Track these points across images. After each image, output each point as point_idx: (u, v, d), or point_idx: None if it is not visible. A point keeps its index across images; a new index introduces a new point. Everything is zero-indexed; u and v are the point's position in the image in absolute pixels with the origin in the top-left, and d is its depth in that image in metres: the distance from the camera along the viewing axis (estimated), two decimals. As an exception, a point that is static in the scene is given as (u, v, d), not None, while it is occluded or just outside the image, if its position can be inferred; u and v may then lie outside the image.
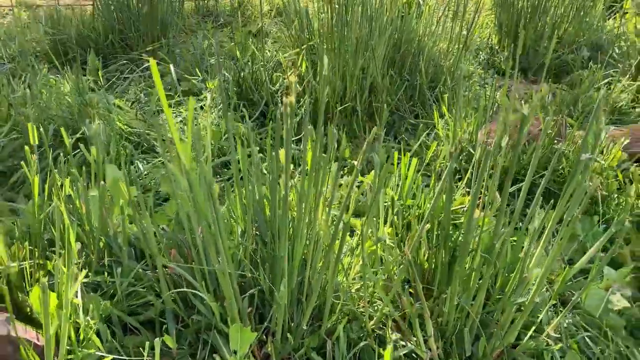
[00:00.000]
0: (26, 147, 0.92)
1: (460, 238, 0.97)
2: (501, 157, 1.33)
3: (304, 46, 1.84)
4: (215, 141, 1.59)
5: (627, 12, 2.89)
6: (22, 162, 0.99)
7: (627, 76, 1.93)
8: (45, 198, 1.00)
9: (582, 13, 2.37)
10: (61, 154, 1.23)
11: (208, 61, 2.15)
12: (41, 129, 1.00)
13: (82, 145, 1.07)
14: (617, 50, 2.07)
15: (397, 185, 1.20)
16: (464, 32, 2.02)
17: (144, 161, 1.51)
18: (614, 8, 3.11)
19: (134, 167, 1.46)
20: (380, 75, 1.74)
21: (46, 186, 0.99)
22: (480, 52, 2.43)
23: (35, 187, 0.92)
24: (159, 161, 1.48)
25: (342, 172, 1.56)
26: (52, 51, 2.21)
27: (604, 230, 1.24)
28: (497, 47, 2.46)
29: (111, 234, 0.98)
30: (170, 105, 1.86)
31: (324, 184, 0.94)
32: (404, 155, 1.22)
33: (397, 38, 1.93)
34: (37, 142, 0.95)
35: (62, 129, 0.94)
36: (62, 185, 0.98)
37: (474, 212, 0.93)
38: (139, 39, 2.29)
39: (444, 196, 0.95)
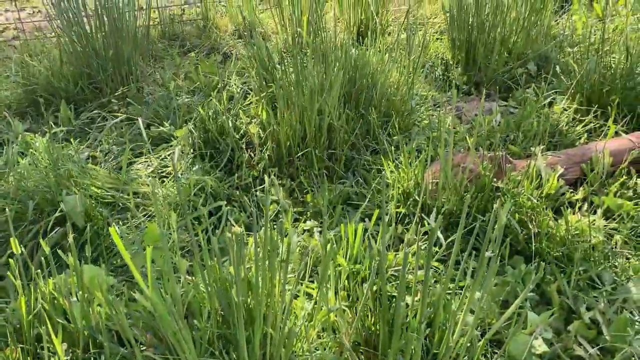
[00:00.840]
0: (11, 261, 1.05)
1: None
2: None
3: (264, 94, 1.95)
4: (185, 196, 1.71)
5: (574, 14, 3.02)
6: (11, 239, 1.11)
7: (567, 96, 2.07)
8: (32, 292, 1.13)
9: (526, 24, 2.49)
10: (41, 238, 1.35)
11: (176, 100, 2.25)
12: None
13: (60, 250, 1.20)
14: (558, 69, 2.20)
15: (347, 246, 1.34)
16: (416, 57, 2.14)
17: (120, 222, 1.63)
18: (564, 7, 3.23)
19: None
20: (336, 117, 1.86)
21: (31, 286, 1.12)
22: (436, 69, 2.55)
23: (23, 303, 1.05)
24: (134, 224, 1.60)
25: (305, 216, 1.70)
26: (24, 102, 2.30)
27: (535, 269, 1.39)
28: (451, 62, 2.58)
29: (93, 324, 1.11)
30: (140, 155, 1.98)
31: (277, 270, 1.07)
32: (350, 225, 1.36)
33: (352, 73, 2.05)
34: (19, 251, 1.08)
35: (42, 241, 1.06)
36: (46, 274, 1.11)
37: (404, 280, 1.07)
38: (108, 79, 2.38)
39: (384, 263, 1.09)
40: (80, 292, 1.08)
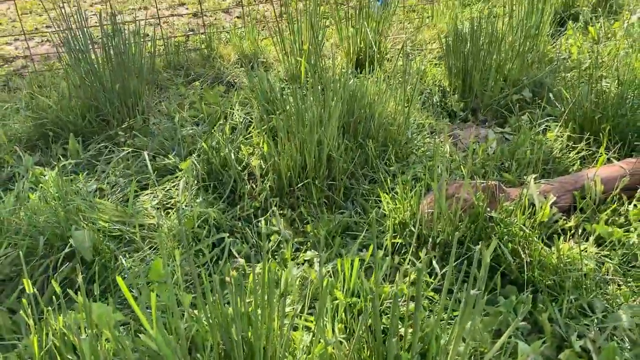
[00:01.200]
0: (24, 300, 1.11)
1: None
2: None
3: (265, 127, 2.02)
4: (189, 228, 1.76)
5: (570, 38, 3.08)
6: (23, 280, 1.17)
7: (560, 123, 2.12)
8: (43, 329, 1.19)
9: (521, 50, 2.55)
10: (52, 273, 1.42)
11: (181, 132, 2.32)
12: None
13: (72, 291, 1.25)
14: (551, 95, 2.26)
15: (344, 280, 1.39)
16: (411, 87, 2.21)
17: (127, 254, 1.69)
18: (560, 32, 3.30)
19: (118, 263, 1.65)
20: (335, 147, 1.92)
21: (43, 323, 1.18)
22: (433, 96, 2.61)
23: (35, 341, 1.11)
24: (140, 257, 1.66)
25: (305, 246, 1.75)
26: (34, 135, 2.38)
27: (527, 298, 1.43)
28: (448, 89, 2.64)
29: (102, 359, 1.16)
30: (146, 186, 2.04)
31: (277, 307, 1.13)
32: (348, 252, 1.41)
33: (350, 104, 2.11)
34: (32, 291, 1.14)
35: (53, 281, 1.12)
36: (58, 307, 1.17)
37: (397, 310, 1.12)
38: (115, 111, 2.46)
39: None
40: (89, 330, 1.13)
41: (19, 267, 1.60)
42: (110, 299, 1.46)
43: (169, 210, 1.92)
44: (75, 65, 2.42)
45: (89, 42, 2.45)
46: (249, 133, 2.24)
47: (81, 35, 2.44)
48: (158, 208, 1.92)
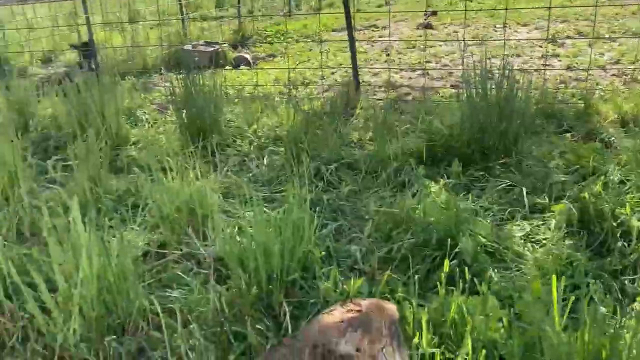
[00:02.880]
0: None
1: None
2: None
3: None
4: (554, 265, 1.91)
5: None
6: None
7: None
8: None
9: None
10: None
11: (553, 177, 2.49)
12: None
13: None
14: None
15: None
16: None
17: (496, 270, 1.94)
18: None
19: (489, 274, 1.90)
20: None
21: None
22: None
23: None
24: (509, 275, 1.90)
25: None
26: (424, 153, 2.85)
27: None
28: None
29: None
30: (512, 217, 2.27)
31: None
32: None
33: None
34: (447, 270, 1.47)
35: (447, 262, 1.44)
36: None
37: None
38: (494, 147, 2.77)
39: None
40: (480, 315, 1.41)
41: (409, 251, 2.00)
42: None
43: (533, 244, 2.10)
44: (470, 104, 2.82)
45: (487, 85, 2.82)
46: (626, 193, 2.26)
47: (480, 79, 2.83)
48: (524, 239, 2.13)
